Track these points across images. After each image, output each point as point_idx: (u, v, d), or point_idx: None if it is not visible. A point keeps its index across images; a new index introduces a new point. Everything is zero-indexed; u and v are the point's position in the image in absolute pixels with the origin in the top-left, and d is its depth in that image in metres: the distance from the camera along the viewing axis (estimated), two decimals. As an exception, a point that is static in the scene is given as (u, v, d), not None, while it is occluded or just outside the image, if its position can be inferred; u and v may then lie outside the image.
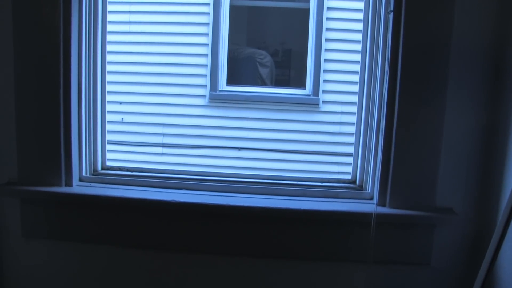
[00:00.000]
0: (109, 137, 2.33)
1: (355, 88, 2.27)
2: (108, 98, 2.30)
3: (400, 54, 1.94)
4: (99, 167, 2.28)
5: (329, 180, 2.26)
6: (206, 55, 4.63)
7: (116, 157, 2.63)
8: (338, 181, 2.26)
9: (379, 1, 2.06)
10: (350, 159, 2.28)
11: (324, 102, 4.62)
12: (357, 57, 2.20)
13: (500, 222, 1.61)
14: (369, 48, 2.12)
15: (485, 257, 1.66)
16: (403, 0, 1.91)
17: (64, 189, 2.12)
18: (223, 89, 4.69)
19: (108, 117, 2.32)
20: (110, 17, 2.25)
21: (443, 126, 1.98)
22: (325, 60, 4.56)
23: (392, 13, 1.95)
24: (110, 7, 2.24)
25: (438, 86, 1.95)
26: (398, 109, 1.96)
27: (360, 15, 2.21)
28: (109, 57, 2.27)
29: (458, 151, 2.02)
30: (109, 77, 2.29)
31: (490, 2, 1.94)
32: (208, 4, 4.60)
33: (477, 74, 1.97)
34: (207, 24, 4.61)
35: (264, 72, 5.09)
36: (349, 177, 2.27)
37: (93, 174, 2.26)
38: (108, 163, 2.32)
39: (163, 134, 4.69)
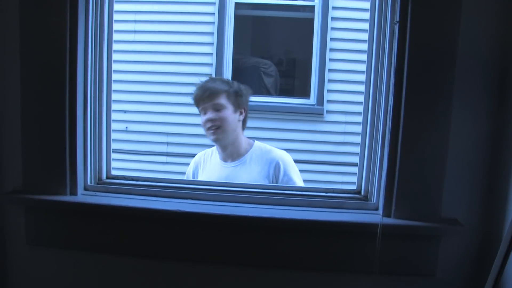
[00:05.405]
0: (113, 145, 2.32)
1: (359, 98, 2.27)
2: (113, 106, 2.30)
3: (406, 64, 1.94)
4: (104, 176, 2.28)
5: (334, 191, 2.25)
6: (210, 64, 4.65)
7: (119, 165, 2.63)
8: (343, 191, 2.25)
9: (384, 11, 2.07)
10: (354, 169, 2.28)
11: (328, 111, 4.62)
12: (361, 67, 2.20)
13: (507, 233, 1.60)
14: (375, 58, 2.11)
15: (492, 268, 1.65)
16: (409, 10, 1.91)
17: (69, 198, 2.12)
18: (228, 98, 4.69)
19: (113, 125, 2.31)
20: (114, 26, 2.24)
21: (449, 136, 1.97)
22: (330, 70, 4.57)
23: (398, 24, 1.95)
24: (115, 16, 2.24)
25: (444, 96, 1.95)
26: (403, 119, 1.96)
27: (364, 25, 2.22)
28: (113, 66, 2.27)
29: (463, 161, 2.02)
30: (113, 86, 2.29)
31: (496, 11, 1.94)
32: (213, 14, 4.63)
33: (484, 83, 1.97)
34: (212, 33, 4.63)
35: (268, 81, 5.10)
36: (353, 187, 2.26)
37: (98, 183, 2.25)
38: (113, 172, 2.32)
39: (167, 143, 4.69)
